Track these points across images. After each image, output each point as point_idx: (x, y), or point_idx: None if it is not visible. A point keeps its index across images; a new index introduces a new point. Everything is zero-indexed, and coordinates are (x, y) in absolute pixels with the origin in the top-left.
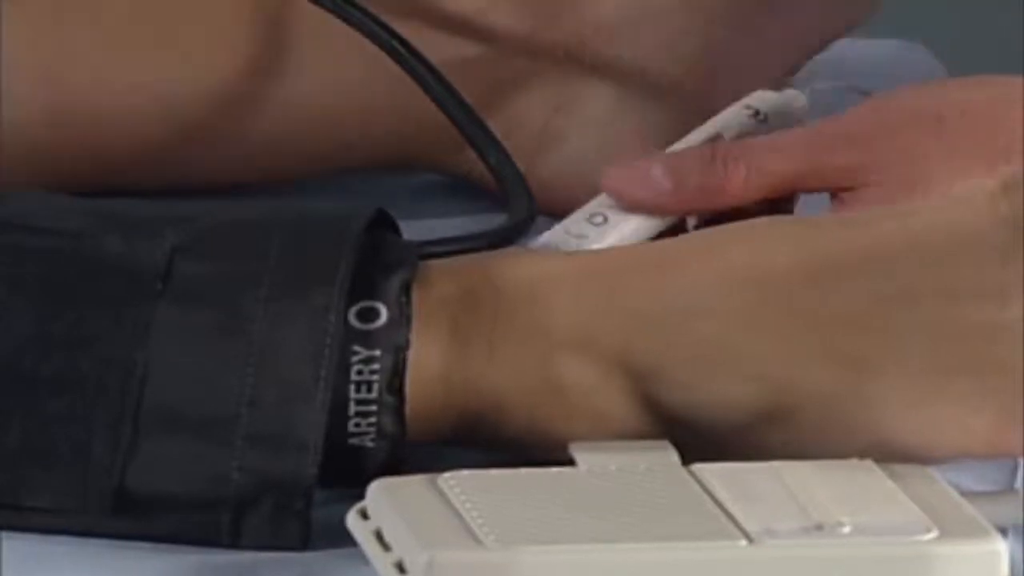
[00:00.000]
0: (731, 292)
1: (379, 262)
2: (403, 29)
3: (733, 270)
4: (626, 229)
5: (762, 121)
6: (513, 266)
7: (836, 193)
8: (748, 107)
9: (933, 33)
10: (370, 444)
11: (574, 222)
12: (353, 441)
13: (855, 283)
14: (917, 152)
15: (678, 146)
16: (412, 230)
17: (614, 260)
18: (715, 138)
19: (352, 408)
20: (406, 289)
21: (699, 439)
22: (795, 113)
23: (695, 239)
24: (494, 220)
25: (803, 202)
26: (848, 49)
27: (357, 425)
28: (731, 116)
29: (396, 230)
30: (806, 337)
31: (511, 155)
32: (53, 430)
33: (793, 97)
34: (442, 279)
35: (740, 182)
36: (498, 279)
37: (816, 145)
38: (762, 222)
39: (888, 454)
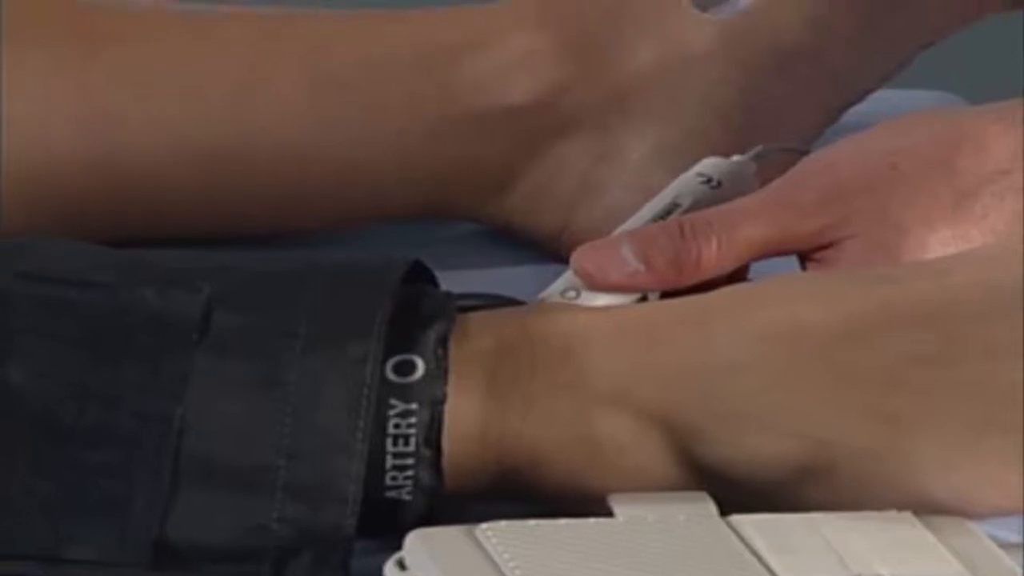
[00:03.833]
0: (768, 348)
1: (416, 314)
2: (444, 76)
3: (770, 325)
4: (599, 304)
5: (715, 187)
6: (550, 320)
7: (809, 255)
8: (700, 175)
9: (967, 83)
10: (407, 497)
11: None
12: (390, 494)
13: (892, 340)
14: (881, 203)
15: (636, 217)
16: (449, 281)
17: (651, 315)
18: (671, 208)
19: (389, 461)
20: (443, 342)
21: (737, 492)
22: (747, 178)
23: (732, 294)
24: (531, 271)
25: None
26: (883, 99)
27: (394, 479)
28: (685, 185)
29: (433, 281)
30: (844, 394)
31: (552, 204)
32: (92, 482)
33: (744, 164)
34: (479, 332)
35: (713, 255)
36: (535, 333)
37: (785, 210)
38: (799, 277)
39: (925, 510)
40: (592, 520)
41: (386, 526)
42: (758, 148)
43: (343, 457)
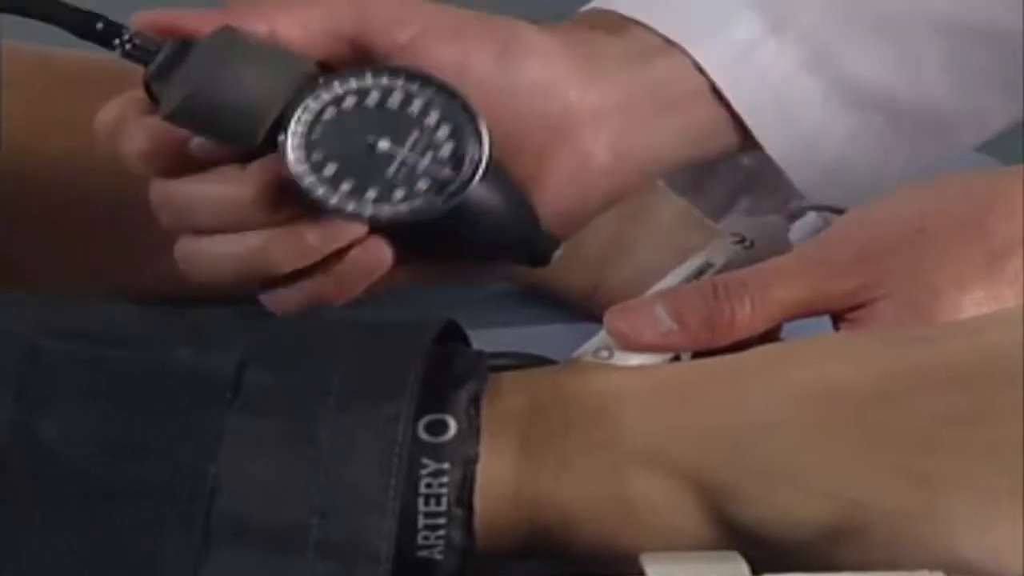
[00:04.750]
0: (801, 407)
1: (448, 374)
2: None
3: (803, 385)
4: (632, 363)
5: (748, 247)
6: (583, 379)
7: (842, 316)
8: (734, 234)
9: (1001, 144)
10: (439, 556)
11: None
12: (422, 554)
13: (926, 400)
14: (914, 264)
15: (669, 276)
16: (481, 340)
17: (684, 375)
18: (704, 268)
19: (421, 521)
20: (475, 401)
21: (769, 552)
22: (780, 238)
23: (765, 354)
24: (562, 330)
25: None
26: None
27: (426, 538)
28: (717, 244)
29: (466, 340)
30: (876, 454)
31: (584, 263)
32: (124, 539)
33: (775, 222)
34: (512, 391)
35: (747, 315)
36: (568, 392)
37: (819, 270)
38: (832, 337)
39: (957, 571)
40: None
41: None
42: (791, 207)
43: (375, 515)
